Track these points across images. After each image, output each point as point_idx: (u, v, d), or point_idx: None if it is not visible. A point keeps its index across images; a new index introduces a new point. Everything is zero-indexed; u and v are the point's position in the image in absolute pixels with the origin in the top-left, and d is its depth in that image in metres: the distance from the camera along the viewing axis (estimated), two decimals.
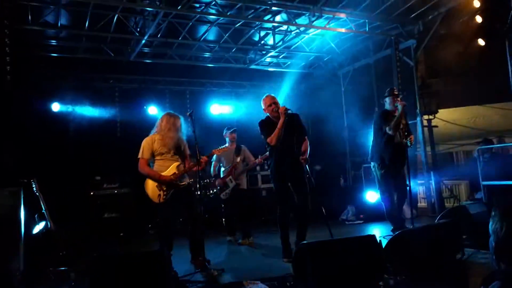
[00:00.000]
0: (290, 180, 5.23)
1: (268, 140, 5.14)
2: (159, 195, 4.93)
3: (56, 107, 9.42)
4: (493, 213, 1.52)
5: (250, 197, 7.69)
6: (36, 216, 5.49)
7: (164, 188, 4.94)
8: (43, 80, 9.23)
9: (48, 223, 5.53)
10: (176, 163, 5.03)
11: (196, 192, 6.53)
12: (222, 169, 7.16)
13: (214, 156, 7.01)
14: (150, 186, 4.99)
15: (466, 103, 9.95)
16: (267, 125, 5.26)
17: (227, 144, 6.97)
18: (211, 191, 8.88)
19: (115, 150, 9.40)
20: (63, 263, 5.20)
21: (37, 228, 5.50)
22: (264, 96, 5.39)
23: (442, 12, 8.22)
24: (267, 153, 6.38)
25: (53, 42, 8.57)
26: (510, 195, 6.91)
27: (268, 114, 5.32)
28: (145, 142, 5.04)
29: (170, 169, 5.00)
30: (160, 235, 5.26)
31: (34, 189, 5.61)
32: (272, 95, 5.41)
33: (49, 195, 5.97)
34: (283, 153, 5.18)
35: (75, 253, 5.61)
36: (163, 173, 4.97)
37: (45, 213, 5.54)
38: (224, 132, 7.19)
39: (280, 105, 5.21)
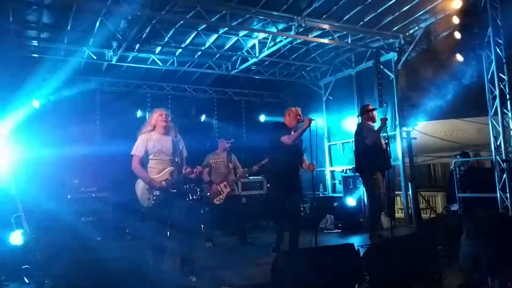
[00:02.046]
0: (291, 188, 5.57)
1: (286, 138, 5.52)
2: (148, 198, 4.68)
3: (35, 105, 9.24)
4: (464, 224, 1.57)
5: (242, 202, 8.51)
6: (13, 218, 5.37)
7: (154, 193, 4.68)
8: (23, 80, 9.06)
9: (24, 225, 5.41)
10: (170, 168, 4.73)
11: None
12: (213, 175, 7.27)
13: (204, 162, 7.08)
14: (141, 187, 4.74)
15: (444, 116, 10.16)
16: (284, 127, 5.74)
17: (217, 151, 7.21)
18: (191, 197, 8.93)
19: (94, 154, 9.28)
20: (38, 267, 5.09)
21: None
22: (292, 107, 5.95)
23: (422, 27, 8.43)
24: (263, 161, 7.03)
25: (34, 42, 8.44)
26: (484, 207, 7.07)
27: (284, 122, 5.83)
28: (139, 138, 4.80)
29: (163, 174, 4.73)
30: (150, 240, 4.99)
31: (11, 190, 5.50)
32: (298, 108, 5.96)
33: (26, 197, 5.85)
34: (291, 159, 5.58)
35: (51, 257, 5.50)
36: (154, 176, 4.73)
37: (21, 215, 5.43)
38: (220, 140, 7.44)
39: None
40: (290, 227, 5.64)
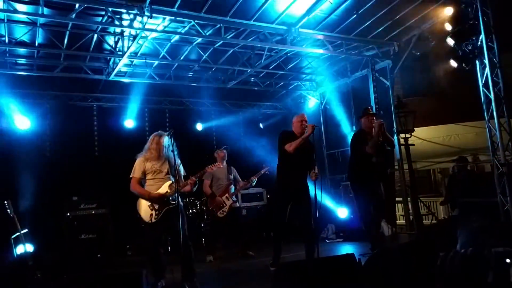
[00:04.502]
0: (295, 198, 5.47)
1: (287, 146, 5.41)
2: (151, 214, 4.82)
3: (26, 124, 9.12)
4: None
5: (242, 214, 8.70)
6: (11, 238, 5.35)
7: (156, 207, 4.84)
8: (17, 98, 9.08)
9: (24, 246, 5.39)
10: (169, 182, 4.92)
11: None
12: (214, 188, 7.26)
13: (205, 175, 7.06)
14: (143, 206, 4.90)
15: (441, 121, 10.18)
16: (289, 135, 5.60)
17: (217, 163, 7.16)
18: (191, 211, 8.89)
19: (93, 170, 9.28)
20: (38, 286, 5.06)
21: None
22: (297, 114, 5.84)
23: (416, 34, 8.48)
24: (262, 171, 7.34)
25: (30, 61, 8.47)
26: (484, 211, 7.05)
27: (292, 129, 5.68)
28: (137, 161, 4.98)
29: (163, 188, 4.90)
30: (151, 256, 5.06)
31: (8, 211, 5.48)
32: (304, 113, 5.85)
33: (24, 216, 5.84)
34: (295, 168, 5.47)
35: (50, 276, 5.48)
36: (153, 191, 4.89)
37: (20, 235, 5.41)
38: (215, 152, 7.46)
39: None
40: (304, 237, 5.52)
